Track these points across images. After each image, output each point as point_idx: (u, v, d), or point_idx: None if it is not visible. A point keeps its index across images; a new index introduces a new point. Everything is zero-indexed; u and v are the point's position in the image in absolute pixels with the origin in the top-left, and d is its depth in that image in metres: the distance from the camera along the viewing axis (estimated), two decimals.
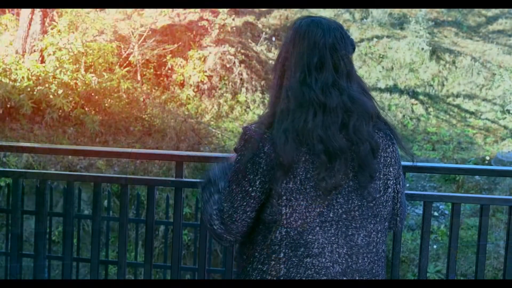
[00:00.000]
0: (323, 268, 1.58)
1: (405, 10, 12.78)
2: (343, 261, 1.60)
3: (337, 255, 1.59)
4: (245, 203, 1.61)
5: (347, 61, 1.63)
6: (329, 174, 1.54)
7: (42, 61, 8.26)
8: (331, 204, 1.58)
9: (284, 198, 1.56)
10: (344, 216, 1.60)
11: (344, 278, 1.60)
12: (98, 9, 10.24)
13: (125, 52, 9.58)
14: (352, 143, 1.57)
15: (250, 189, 1.59)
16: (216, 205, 1.67)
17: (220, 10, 10.62)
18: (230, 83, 10.05)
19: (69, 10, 8.51)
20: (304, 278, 1.57)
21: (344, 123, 1.57)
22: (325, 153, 1.53)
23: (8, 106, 7.53)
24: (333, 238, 1.59)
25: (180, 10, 11.09)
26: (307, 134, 1.53)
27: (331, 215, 1.58)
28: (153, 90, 9.68)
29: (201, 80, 9.85)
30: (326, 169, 1.53)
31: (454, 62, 11.58)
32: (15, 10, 9.29)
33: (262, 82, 10.25)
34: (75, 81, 7.97)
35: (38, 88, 7.53)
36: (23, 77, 7.55)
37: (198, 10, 11.12)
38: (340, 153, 1.54)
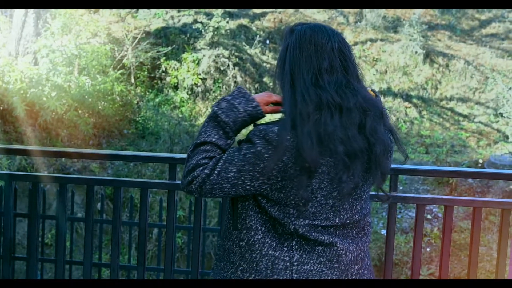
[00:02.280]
0: (335, 255, 1.61)
1: (399, 14, 12.82)
2: (354, 250, 1.65)
3: (347, 245, 1.64)
4: (234, 188, 1.59)
5: (355, 63, 1.66)
6: (350, 176, 1.56)
7: (36, 64, 8.23)
8: (338, 211, 1.62)
9: (293, 202, 1.57)
10: (348, 221, 1.65)
11: (356, 267, 1.65)
12: (91, 12, 10.24)
13: (118, 54, 9.57)
14: (368, 144, 1.58)
15: (248, 182, 1.58)
16: (208, 170, 1.60)
17: (214, 12, 10.62)
18: (224, 86, 10.06)
19: (62, 12, 8.48)
20: (316, 265, 1.59)
21: (362, 123, 1.58)
22: (345, 154, 1.54)
23: (1, 108, 7.51)
24: (333, 235, 1.63)
25: (174, 13, 11.09)
26: (328, 136, 1.52)
27: (336, 221, 1.62)
28: (147, 93, 9.68)
29: (195, 83, 9.86)
30: (348, 170, 1.55)
31: (447, 66, 11.63)
32: (8, 11, 9.26)
33: (256, 85, 10.25)
34: (68, 83, 7.94)
35: (32, 90, 7.50)
36: (16, 80, 7.51)
37: (192, 12, 11.12)
38: (359, 154, 1.56)
